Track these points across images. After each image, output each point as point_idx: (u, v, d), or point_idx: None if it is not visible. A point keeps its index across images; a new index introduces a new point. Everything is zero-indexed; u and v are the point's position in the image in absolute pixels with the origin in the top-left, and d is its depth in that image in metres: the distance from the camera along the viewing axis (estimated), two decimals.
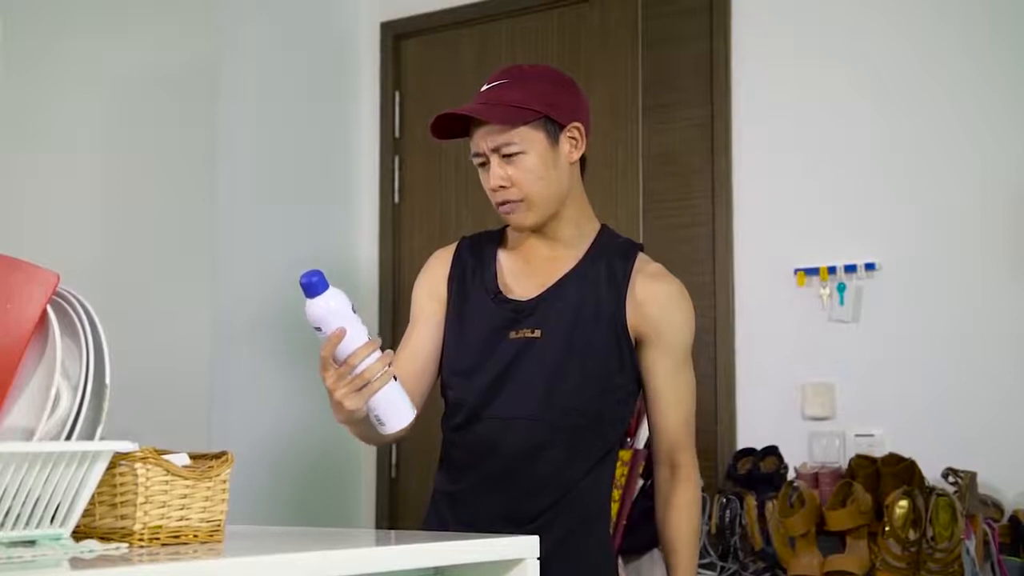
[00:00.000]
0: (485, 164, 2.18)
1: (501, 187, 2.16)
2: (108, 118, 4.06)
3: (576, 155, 2.22)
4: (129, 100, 4.02)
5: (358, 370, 1.86)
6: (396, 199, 4.24)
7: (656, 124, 3.76)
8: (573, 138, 2.21)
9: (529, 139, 2.15)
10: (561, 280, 2.21)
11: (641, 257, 2.25)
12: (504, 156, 2.15)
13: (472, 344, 2.21)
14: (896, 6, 3.43)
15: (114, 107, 4.06)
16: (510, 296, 2.22)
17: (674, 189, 3.71)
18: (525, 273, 2.24)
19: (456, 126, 2.21)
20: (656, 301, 2.20)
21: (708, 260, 3.61)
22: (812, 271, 3.43)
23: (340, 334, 1.84)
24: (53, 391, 1.54)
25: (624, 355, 2.18)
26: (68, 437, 1.54)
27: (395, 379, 1.92)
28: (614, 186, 3.80)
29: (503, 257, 2.28)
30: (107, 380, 1.58)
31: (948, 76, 3.34)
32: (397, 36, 4.29)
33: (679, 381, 2.21)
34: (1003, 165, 3.25)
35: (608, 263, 2.22)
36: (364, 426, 2.02)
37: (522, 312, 2.19)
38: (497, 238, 2.32)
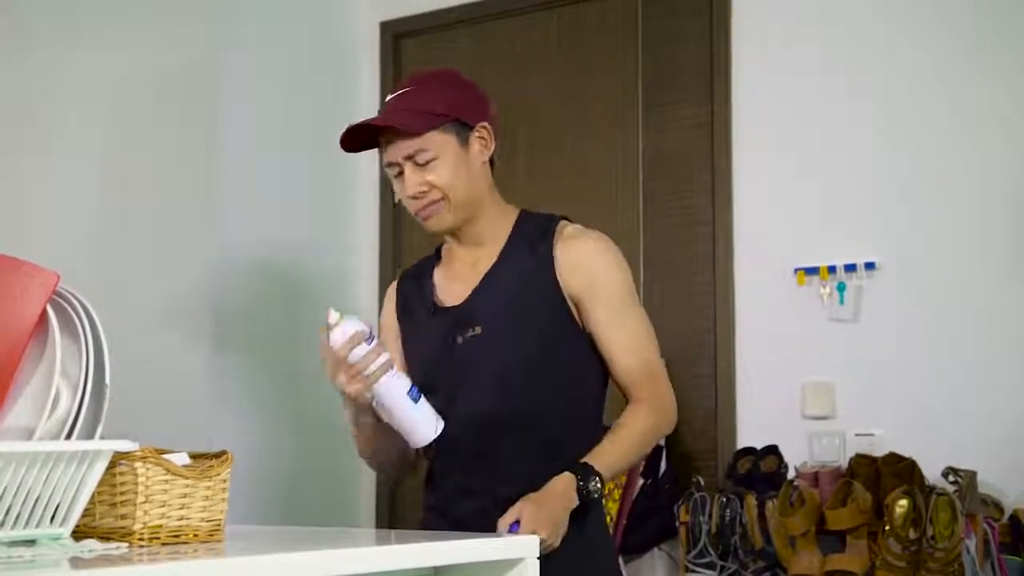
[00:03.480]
0: (400, 174, 2.22)
1: (421, 192, 2.19)
2: (108, 118, 4.06)
3: (486, 155, 2.25)
4: (129, 100, 4.02)
5: (350, 359, 2.01)
6: (396, 199, 4.23)
7: (656, 124, 3.76)
8: (482, 138, 2.24)
9: (440, 143, 2.18)
10: (487, 274, 2.24)
11: (561, 224, 2.26)
12: (418, 163, 2.18)
13: (425, 360, 2.25)
14: (896, 6, 3.43)
15: (114, 107, 4.05)
16: (445, 305, 2.26)
17: (674, 189, 3.71)
18: (454, 279, 2.28)
19: (368, 138, 2.25)
20: (577, 257, 2.20)
21: (708, 260, 3.60)
22: (812, 271, 3.43)
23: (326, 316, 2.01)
24: (53, 391, 1.54)
25: (566, 326, 2.19)
26: (68, 437, 1.54)
27: (417, 398, 2.06)
28: (614, 186, 3.79)
29: (436, 273, 2.34)
30: (107, 380, 1.58)
31: (948, 76, 3.34)
32: (397, 36, 4.28)
33: (625, 325, 2.20)
34: (1003, 165, 3.25)
35: (529, 243, 2.24)
36: (379, 444, 2.18)
37: (460, 316, 2.22)
38: (434, 259, 2.37)
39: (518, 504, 2.03)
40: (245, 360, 3.86)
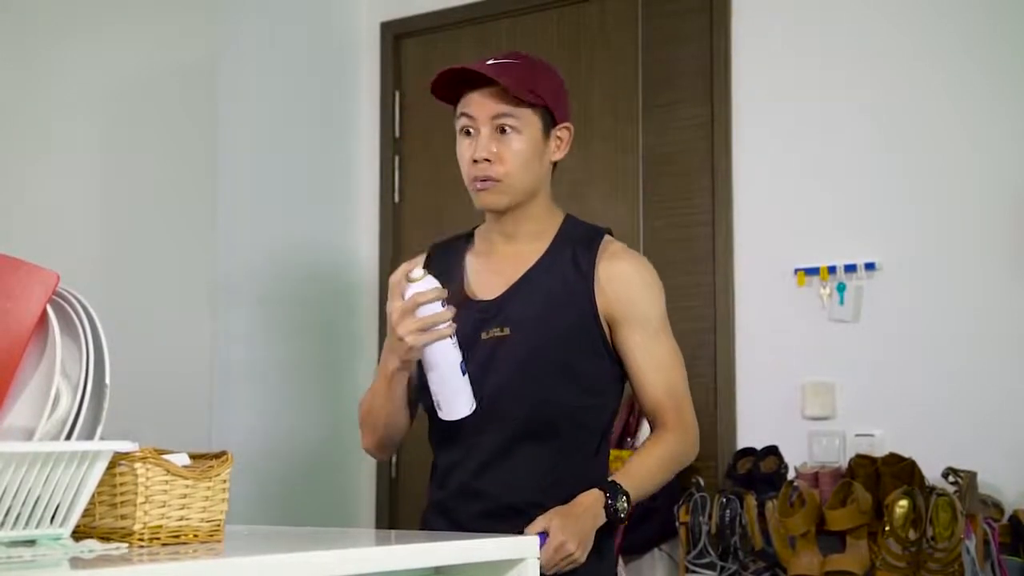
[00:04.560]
0: (471, 132, 2.17)
1: (486, 160, 2.14)
2: (108, 118, 4.07)
3: (559, 156, 2.23)
4: (129, 100, 4.03)
5: (421, 312, 1.99)
6: (396, 199, 4.24)
7: (656, 124, 3.76)
8: (559, 138, 2.22)
9: (528, 121, 2.15)
10: (525, 275, 2.21)
11: (606, 239, 2.24)
12: (499, 128, 2.14)
13: None
14: (896, 6, 3.43)
15: (114, 107, 4.06)
16: (476, 298, 2.22)
17: (674, 189, 3.71)
18: (490, 272, 2.24)
19: (451, 91, 2.19)
20: (619, 279, 2.19)
21: (708, 260, 3.60)
22: (812, 271, 3.43)
23: (408, 267, 2.03)
24: (53, 391, 1.54)
25: (597, 341, 2.18)
26: (68, 437, 1.54)
27: (464, 372, 2.06)
28: (614, 186, 3.80)
29: (470, 260, 2.29)
30: (107, 380, 1.58)
31: (948, 76, 3.34)
32: (397, 36, 4.28)
33: (656, 352, 2.19)
34: (1003, 165, 3.25)
35: (573, 251, 2.21)
36: (390, 413, 2.16)
37: (489, 312, 2.19)
38: (466, 242, 2.32)
39: (546, 515, 2.02)
40: (245, 360, 3.87)
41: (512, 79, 2.13)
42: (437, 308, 2.02)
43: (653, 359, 2.18)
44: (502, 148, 2.14)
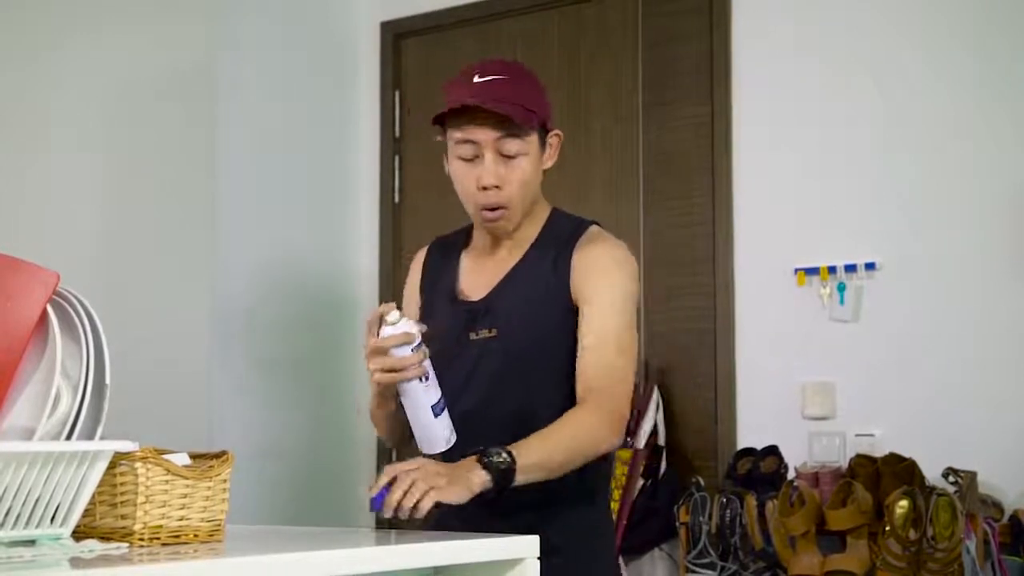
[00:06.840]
0: (475, 158, 2.13)
1: (495, 187, 2.12)
2: (108, 118, 4.06)
3: (550, 163, 2.22)
4: (129, 100, 4.02)
5: (390, 354, 1.99)
6: (396, 199, 4.24)
7: (656, 123, 3.76)
8: (551, 145, 2.21)
9: (531, 142, 2.14)
10: (507, 276, 2.21)
11: (589, 231, 2.21)
12: (503, 154, 2.12)
13: (438, 350, 2.16)
14: (896, 5, 3.43)
15: (114, 107, 4.06)
16: (465, 298, 2.22)
17: (674, 189, 3.71)
18: (478, 272, 2.24)
19: (446, 112, 2.16)
20: (586, 259, 2.15)
21: (708, 260, 3.60)
22: (812, 271, 3.43)
23: (384, 309, 2.00)
24: (53, 391, 1.54)
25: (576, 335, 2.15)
26: (68, 437, 1.54)
27: (439, 412, 2.06)
28: (614, 185, 3.79)
29: (463, 258, 2.29)
30: (107, 380, 1.58)
31: (948, 76, 3.34)
32: (397, 36, 4.28)
33: (600, 327, 2.09)
34: (1003, 165, 3.25)
35: (556, 247, 2.19)
36: (392, 420, 2.17)
37: (476, 313, 2.19)
38: (464, 237, 2.32)
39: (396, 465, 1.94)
40: (245, 360, 3.87)
41: (516, 109, 2.09)
42: (406, 352, 2.01)
43: (594, 332, 2.10)
44: (507, 172, 2.13)
